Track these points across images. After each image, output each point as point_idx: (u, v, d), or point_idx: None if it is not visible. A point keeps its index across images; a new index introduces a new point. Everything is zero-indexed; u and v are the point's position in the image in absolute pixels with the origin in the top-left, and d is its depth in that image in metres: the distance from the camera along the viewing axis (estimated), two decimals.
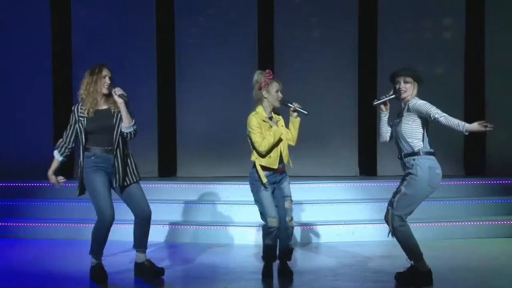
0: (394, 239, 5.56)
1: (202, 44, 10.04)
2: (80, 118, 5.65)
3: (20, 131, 9.94)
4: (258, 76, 5.78)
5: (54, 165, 5.88)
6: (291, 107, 5.78)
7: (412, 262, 5.50)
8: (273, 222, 5.68)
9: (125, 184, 5.73)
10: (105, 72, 5.65)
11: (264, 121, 5.73)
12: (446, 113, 5.30)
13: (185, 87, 10.00)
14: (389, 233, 5.57)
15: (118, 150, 5.68)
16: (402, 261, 5.56)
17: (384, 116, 5.68)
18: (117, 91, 5.60)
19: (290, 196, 5.85)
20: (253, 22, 10.02)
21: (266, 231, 5.73)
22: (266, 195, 5.72)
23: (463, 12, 9.85)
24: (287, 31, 9.99)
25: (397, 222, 5.44)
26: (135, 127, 5.68)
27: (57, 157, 5.83)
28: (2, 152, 9.80)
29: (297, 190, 8.07)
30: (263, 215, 5.76)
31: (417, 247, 5.48)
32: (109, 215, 5.63)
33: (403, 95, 5.49)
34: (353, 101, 10.01)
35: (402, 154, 5.49)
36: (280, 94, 5.78)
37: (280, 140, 5.74)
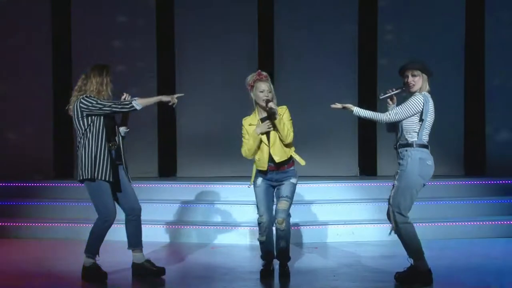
0: (396, 237, 5.56)
1: (202, 44, 10.04)
2: None
3: (20, 131, 9.95)
4: (248, 79, 5.81)
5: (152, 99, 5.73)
6: (267, 107, 5.71)
7: (412, 261, 5.50)
8: (261, 218, 5.76)
9: (128, 178, 5.78)
10: (110, 75, 5.70)
11: (250, 125, 5.77)
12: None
13: (185, 87, 9.99)
14: (390, 231, 5.57)
15: (121, 145, 5.76)
16: (402, 261, 5.56)
17: (391, 110, 5.64)
18: (127, 97, 5.74)
19: (286, 197, 5.74)
20: (253, 22, 10.02)
21: (258, 225, 5.81)
22: (258, 192, 5.80)
23: (463, 12, 9.86)
24: (287, 31, 9.99)
25: (399, 218, 5.44)
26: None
27: (140, 103, 5.60)
28: (2, 152, 9.81)
29: (297, 190, 8.08)
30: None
31: (419, 246, 5.48)
32: (114, 212, 5.66)
33: (412, 89, 5.48)
34: (353, 101, 9.93)
35: (397, 145, 5.53)
36: (265, 94, 5.73)
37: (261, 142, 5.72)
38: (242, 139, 5.83)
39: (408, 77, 5.50)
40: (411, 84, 5.48)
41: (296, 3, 10.09)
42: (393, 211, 5.46)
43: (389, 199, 5.54)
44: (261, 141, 5.73)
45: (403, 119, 5.45)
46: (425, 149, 5.46)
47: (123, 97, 5.76)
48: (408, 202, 5.45)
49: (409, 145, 5.44)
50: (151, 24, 10.04)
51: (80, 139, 5.63)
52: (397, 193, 5.45)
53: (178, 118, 10.15)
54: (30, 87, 9.92)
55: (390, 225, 5.57)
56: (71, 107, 5.69)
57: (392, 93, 5.59)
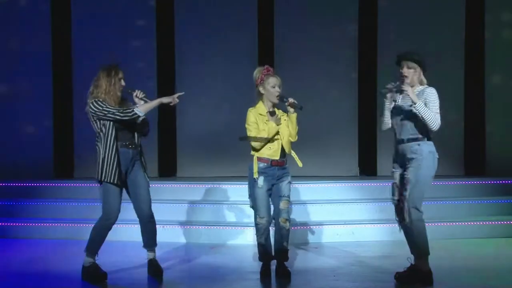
0: (396, 237, 5.56)
1: (202, 44, 10.04)
2: None
3: (20, 131, 9.95)
4: (256, 72, 5.84)
5: (153, 103, 5.69)
6: (286, 102, 5.78)
7: (413, 260, 5.49)
8: (261, 220, 5.75)
9: (146, 177, 5.80)
10: (121, 74, 5.73)
11: (261, 114, 5.76)
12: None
13: (185, 87, 10.00)
14: (400, 229, 5.55)
15: (139, 146, 5.80)
16: (402, 261, 5.56)
17: (389, 104, 5.57)
18: (139, 94, 5.75)
19: (287, 197, 5.79)
20: (253, 22, 10.02)
21: (256, 227, 5.80)
22: (260, 193, 5.74)
23: (463, 11, 9.86)
24: (287, 31, 9.99)
25: (414, 214, 5.38)
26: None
27: (142, 109, 5.63)
28: (2, 152, 9.81)
29: (297, 190, 8.10)
30: (254, 210, 5.83)
31: (427, 244, 5.44)
32: (116, 214, 5.69)
33: (406, 81, 5.41)
34: (353, 101, 10.01)
35: (406, 138, 5.45)
36: (277, 89, 5.78)
37: (277, 133, 5.75)
38: (247, 127, 5.77)
39: (403, 67, 5.46)
40: (405, 76, 5.42)
41: (296, 2, 10.09)
42: (409, 207, 5.39)
43: (400, 197, 5.45)
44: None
45: None
46: (432, 142, 5.46)
47: (134, 93, 5.77)
48: (423, 197, 5.43)
49: (421, 139, 5.41)
50: (151, 24, 10.03)
51: (96, 141, 5.71)
52: (414, 189, 5.37)
53: (178, 118, 10.15)
54: (30, 87, 9.92)
55: (397, 224, 5.55)
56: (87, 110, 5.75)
57: (393, 88, 5.49)
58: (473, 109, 9.87)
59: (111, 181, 5.60)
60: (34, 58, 9.92)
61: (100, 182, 5.66)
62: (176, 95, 5.77)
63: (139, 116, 5.63)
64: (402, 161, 5.51)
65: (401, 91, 5.48)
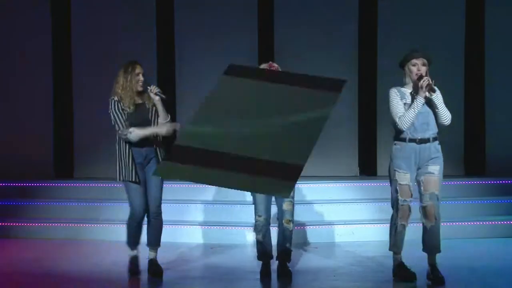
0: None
1: (202, 44, 10.03)
2: (123, 112, 5.74)
3: (20, 131, 9.94)
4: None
5: (146, 132, 5.76)
6: None
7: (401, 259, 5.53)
8: (259, 218, 5.77)
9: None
10: (138, 69, 5.80)
11: None
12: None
13: (185, 87, 10.00)
14: (400, 227, 5.53)
15: (156, 143, 5.89)
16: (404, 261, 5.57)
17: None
18: (153, 89, 5.79)
19: (292, 197, 5.76)
20: (253, 22, 10.02)
21: (254, 224, 5.81)
22: None
23: (463, 11, 9.85)
24: (287, 31, 9.98)
25: (439, 213, 5.47)
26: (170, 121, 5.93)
27: (135, 135, 5.69)
28: (2, 152, 9.80)
29: (298, 190, 8.07)
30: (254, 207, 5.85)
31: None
32: (138, 211, 5.82)
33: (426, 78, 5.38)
34: (353, 101, 10.00)
35: (432, 137, 5.47)
36: None
37: None
38: None
39: (417, 65, 5.43)
40: (419, 73, 5.40)
41: (296, 2, 10.09)
42: (438, 206, 5.44)
43: (433, 196, 5.43)
44: None
45: None
46: None
47: (149, 88, 5.80)
48: None
49: (438, 138, 5.51)
50: (151, 24, 10.03)
51: None
52: (441, 189, 5.47)
53: (178, 118, 10.14)
54: (30, 87, 9.92)
55: (399, 223, 5.55)
56: None
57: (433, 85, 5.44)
58: (473, 109, 9.86)
59: (129, 179, 5.69)
60: (34, 58, 9.92)
61: (121, 181, 5.74)
62: (172, 127, 5.84)
63: (129, 140, 5.66)
64: (421, 161, 5.47)
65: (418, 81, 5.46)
